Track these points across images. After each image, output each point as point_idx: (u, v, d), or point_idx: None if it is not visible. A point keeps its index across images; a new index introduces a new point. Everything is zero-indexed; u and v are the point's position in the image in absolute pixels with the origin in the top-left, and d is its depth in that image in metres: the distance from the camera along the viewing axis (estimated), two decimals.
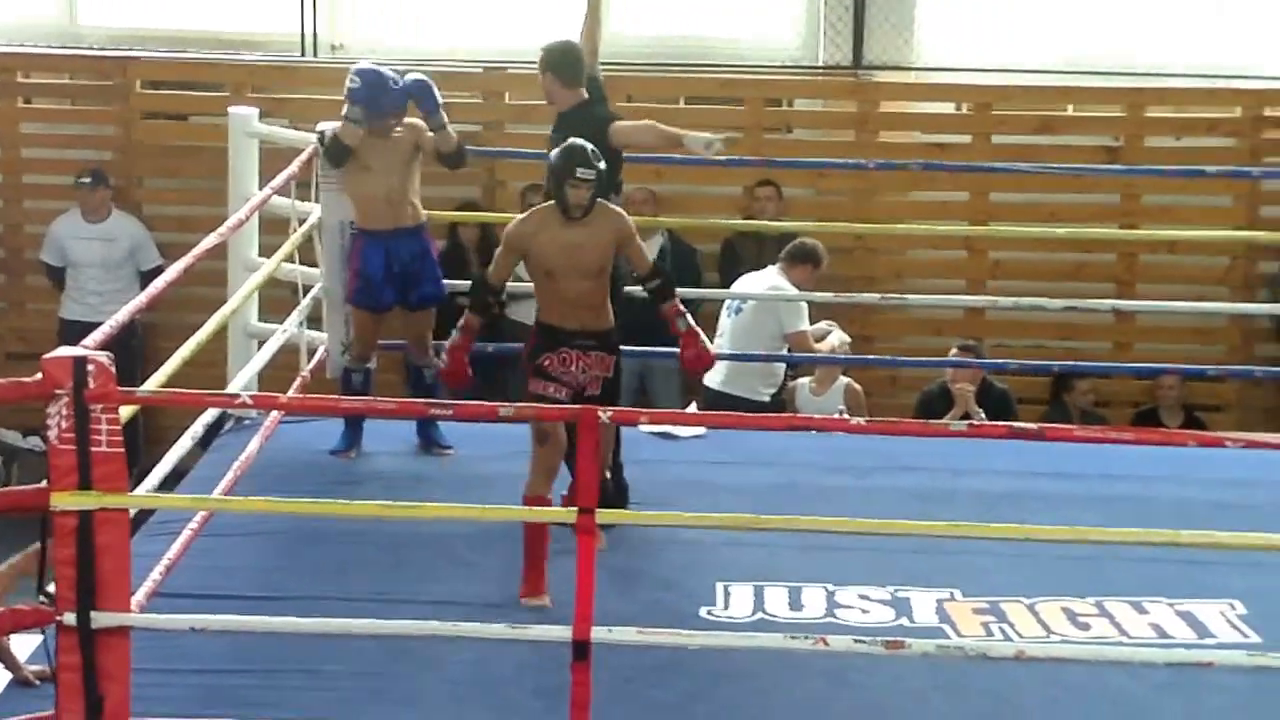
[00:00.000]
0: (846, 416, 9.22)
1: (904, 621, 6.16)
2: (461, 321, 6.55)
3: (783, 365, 9.43)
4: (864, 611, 6.25)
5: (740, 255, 10.45)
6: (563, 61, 7.10)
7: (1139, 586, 6.39)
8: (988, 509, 6.98)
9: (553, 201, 6.42)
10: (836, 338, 9.31)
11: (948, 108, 11.51)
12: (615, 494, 6.85)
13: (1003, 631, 6.10)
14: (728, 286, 9.69)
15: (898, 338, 11.15)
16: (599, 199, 6.40)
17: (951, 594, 6.40)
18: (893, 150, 11.02)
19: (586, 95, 7.12)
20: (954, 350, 9.76)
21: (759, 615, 6.19)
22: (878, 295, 10.00)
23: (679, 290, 9.66)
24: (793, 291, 9.21)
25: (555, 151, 6.40)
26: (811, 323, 9.36)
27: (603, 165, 6.39)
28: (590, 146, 6.39)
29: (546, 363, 6.40)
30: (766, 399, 9.27)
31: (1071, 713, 5.47)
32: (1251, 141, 11.01)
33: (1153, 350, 10.92)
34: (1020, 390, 10.22)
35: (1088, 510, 7.07)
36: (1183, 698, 5.50)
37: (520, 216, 6.60)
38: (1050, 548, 6.29)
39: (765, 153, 10.80)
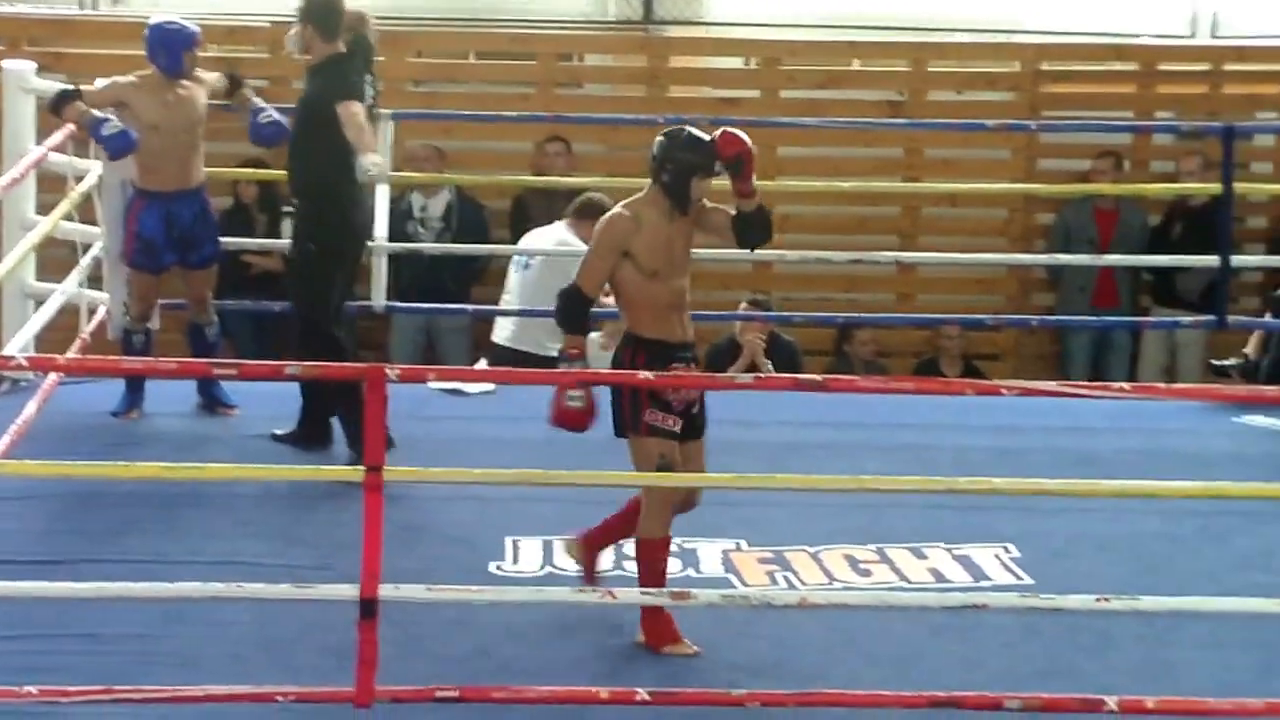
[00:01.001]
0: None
1: (690, 572, 6.24)
2: (563, 348, 5.84)
3: None
4: None
5: (530, 211, 10.46)
6: (325, 13, 7.11)
7: (918, 533, 6.53)
8: (773, 460, 7.08)
9: (646, 192, 5.87)
10: None
11: (736, 63, 11.59)
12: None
13: (787, 580, 6.20)
14: (518, 243, 9.71)
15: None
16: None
17: (737, 544, 6.49)
18: (683, 105, 11.06)
19: (343, 49, 7.15)
20: (744, 304, 9.85)
21: (548, 569, 6.24)
22: None
23: (465, 247, 9.73)
24: (580, 247, 9.23)
25: (683, 139, 5.89)
26: None
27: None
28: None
29: (666, 380, 5.65)
30: (555, 354, 9.29)
31: (853, 657, 5.58)
32: (1030, 95, 11.20)
33: (934, 301, 11.10)
34: (806, 342, 10.33)
35: (870, 459, 7.19)
36: (959, 639, 5.63)
37: (614, 212, 5.89)
38: (834, 497, 6.41)
39: (556, 108, 10.82)
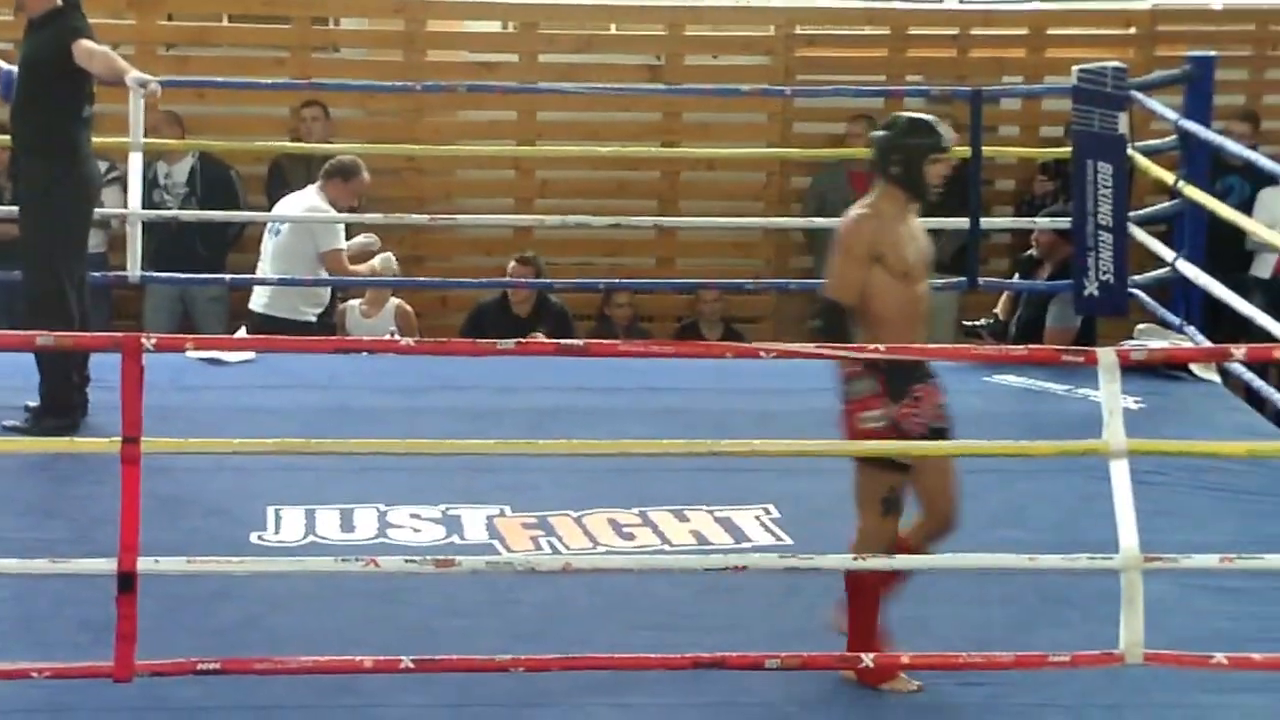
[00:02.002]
0: (397, 338, 9.24)
1: (455, 539, 6.24)
2: (846, 371, 5.36)
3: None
4: (416, 531, 6.32)
5: (289, 177, 10.36)
6: None
7: (681, 495, 6.59)
8: (537, 426, 7.10)
9: (875, 192, 5.49)
10: (379, 260, 9.30)
11: (495, 27, 11.57)
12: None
13: (551, 545, 6.22)
14: (274, 208, 9.60)
15: (448, 258, 11.19)
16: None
17: (502, 510, 6.50)
18: (441, 70, 11.03)
19: (61, 4, 7.03)
20: (513, 264, 9.85)
21: (310, 539, 6.20)
22: (427, 216, 10.05)
23: (214, 214, 9.59)
24: (329, 210, 9.16)
25: (902, 125, 5.53)
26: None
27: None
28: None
29: (906, 412, 5.30)
30: (312, 319, 9.21)
31: (616, 621, 5.62)
32: (784, 60, 11.32)
33: (694, 265, 11.19)
34: (571, 307, 10.37)
35: (633, 423, 7.23)
36: (720, 601, 5.70)
37: (855, 213, 5.50)
38: (597, 461, 6.43)
39: (312, 73, 10.71)
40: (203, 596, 5.52)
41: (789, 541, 6.25)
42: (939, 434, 5.30)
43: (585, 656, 4.96)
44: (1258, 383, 7.94)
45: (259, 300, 9.14)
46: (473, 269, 10.80)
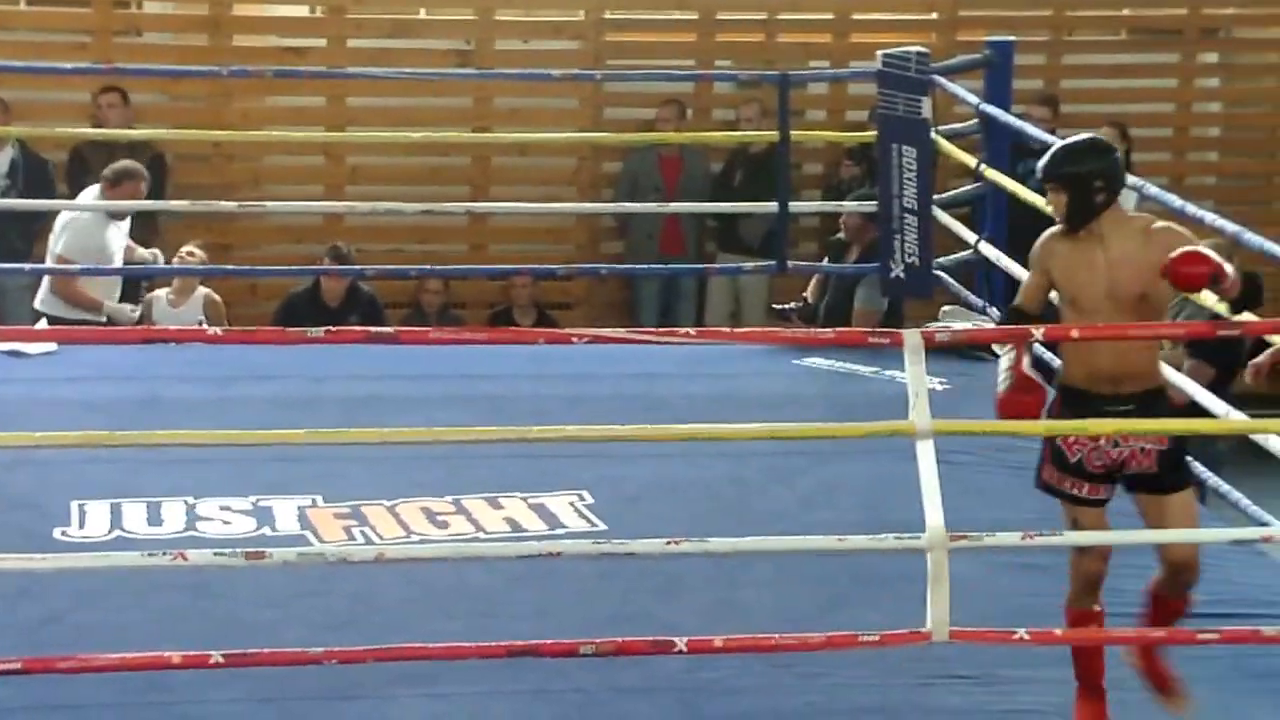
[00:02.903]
0: (206, 327, 9.14)
1: (266, 531, 6.20)
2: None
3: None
4: (225, 523, 6.26)
5: (90, 164, 10.20)
6: None
7: (495, 483, 6.58)
8: (349, 414, 7.06)
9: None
10: (150, 251, 9.19)
11: (302, 11, 11.47)
12: None
13: (364, 535, 6.20)
14: (76, 196, 9.46)
15: (257, 245, 11.10)
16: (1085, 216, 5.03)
17: (314, 500, 6.46)
18: (247, 55, 10.92)
19: None
20: (326, 258, 9.79)
21: (116, 533, 6.13)
22: (235, 203, 9.95)
23: (32, 201, 9.40)
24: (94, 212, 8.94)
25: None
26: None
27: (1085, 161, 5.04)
28: (1079, 140, 5.14)
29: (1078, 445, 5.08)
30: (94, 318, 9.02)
31: (431, 610, 5.61)
32: (594, 44, 11.33)
33: (506, 251, 11.19)
34: (383, 295, 10.32)
35: (446, 410, 7.20)
36: (534, 588, 5.70)
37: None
38: (410, 449, 6.41)
39: (114, 57, 10.57)
40: (4, 594, 5.44)
41: (603, 527, 6.26)
42: (1124, 480, 5.10)
43: (398, 647, 4.94)
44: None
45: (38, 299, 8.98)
46: (282, 256, 10.72)
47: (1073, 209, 5.00)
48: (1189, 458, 6.14)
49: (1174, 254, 4.83)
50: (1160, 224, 5.07)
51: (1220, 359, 7.49)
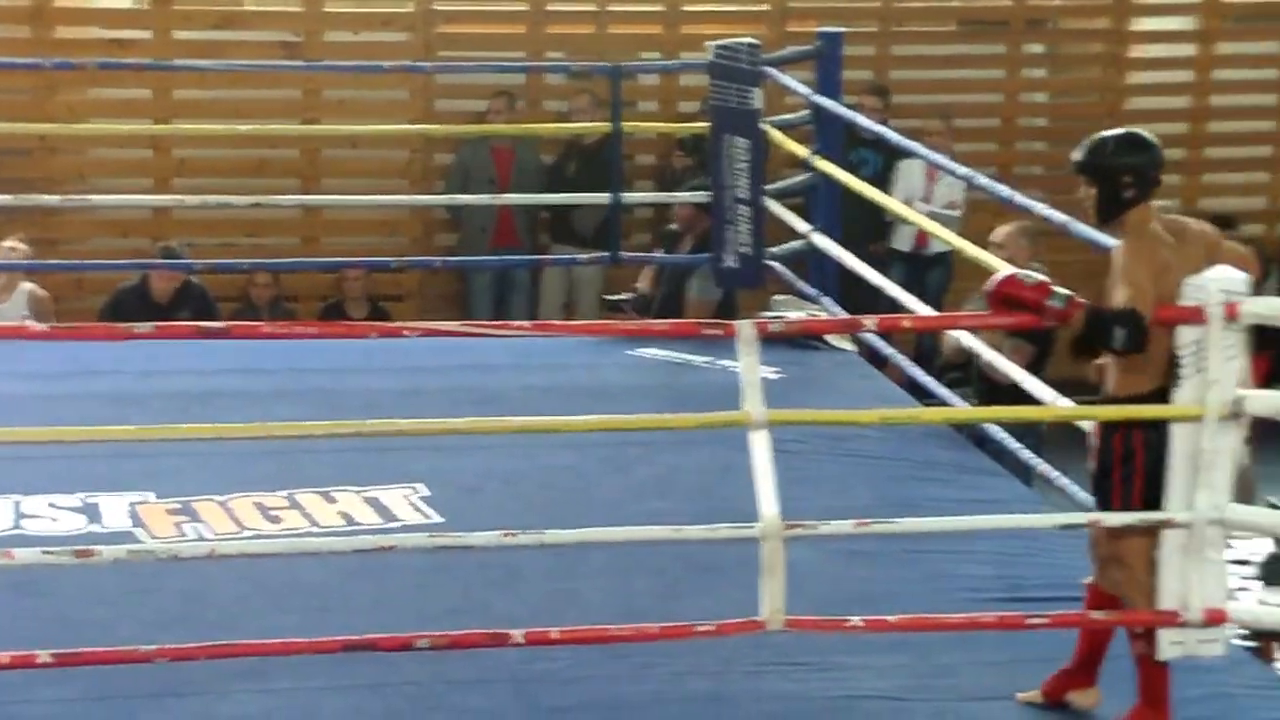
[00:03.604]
0: (30, 323, 9.01)
1: (95, 528, 6.11)
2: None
3: None
4: (53, 520, 6.17)
5: None
6: None
7: (329, 477, 6.53)
8: (181, 410, 6.98)
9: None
10: None
11: (126, 2, 11.34)
12: None
13: (196, 531, 6.13)
14: None
15: (83, 240, 10.95)
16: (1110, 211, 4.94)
17: (144, 497, 6.38)
18: (71, 47, 10.77)
19: None
20: (158, 255, 9.70)
21: None
22: (59, 197, 9.81)
23: None
24: None
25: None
26: None
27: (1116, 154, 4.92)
28: (1115, 134, 5.01)
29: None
30: None
31: (264, 606, 5.55)
32: (424, 36, 11.30)
33: (338, 244, 11.12)
34: (214, 289, 10.22)
35: (279, 405, 7.14)
36: (370, 582, 5.67)
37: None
38: (243, 444, 6.33)
39: None
40: None
41: (439, 520, 6.24)
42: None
43: (231, 643, 4.89)
44: (888, 350, 8.16)
45: None
46: (109, 250, 10.59)
47: (1101, 202, 4.91)
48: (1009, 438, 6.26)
49: (999, 277, 4.85)
50: (1226, 242, 5.03)
51: (1039, 337, 7.60)
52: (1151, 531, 4.90)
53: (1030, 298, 4.79)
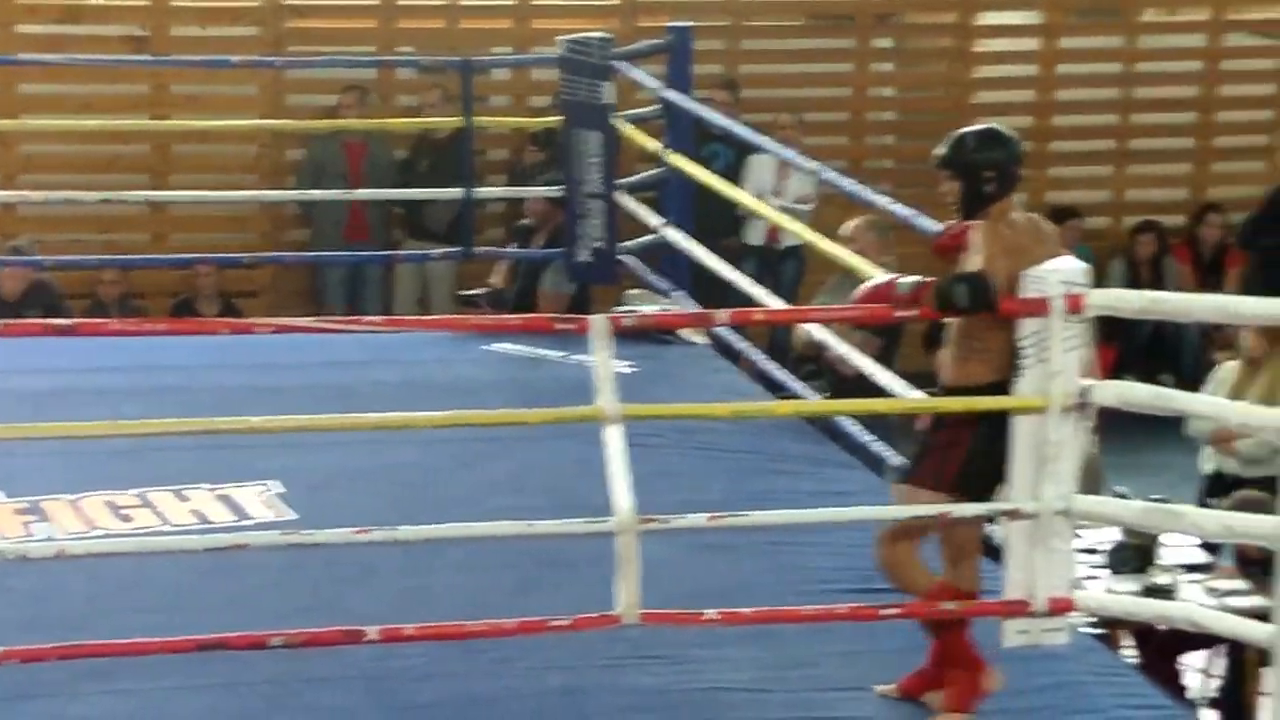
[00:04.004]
0: None
1: None
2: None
3: None
4: None
5: None
6: None
7: (181, 475, 6.48)
8: (30, 408, 6.89)
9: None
10: None
11: None
12: None
13: (45, 531, 6.06)
14: None
15: None
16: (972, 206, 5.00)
17: None
18: None
19: None
20: (9, 252, 9.57)
21: None
22: None
23: None
24: None
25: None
26: None
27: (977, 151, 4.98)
28: (976, 129, 5.06)
29: None
30: None
31: (116, 606, 5.51)
32: (274, 30, 11.22)
33: (188, 240, 11.03)
34: (62, 285, 10.11)
35: (130, 403, 7.04)
36: (224, 580, 5.64)
37: None
38: (93, 443, 6.27)
39: None
40: None
41: (292, 517, 6.21)
42: None
43: (81, 644, 4.85)
44: (741, 344, 8.21)
45: None
46: None
47: (963, 197, 4.97)
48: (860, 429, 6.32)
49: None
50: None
51: (886, 330, 7.68)
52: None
53: (885, 297, 4.91)
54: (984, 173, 4.95)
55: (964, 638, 5.07)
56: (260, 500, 6.38)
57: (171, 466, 6.50)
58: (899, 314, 4.95)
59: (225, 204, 10.93)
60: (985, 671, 5.07)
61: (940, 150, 5.03)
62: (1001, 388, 4.89)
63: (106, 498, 6.33)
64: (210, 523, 6.17)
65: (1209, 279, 12.26)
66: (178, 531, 6.07)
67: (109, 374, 7.53)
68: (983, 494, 4.96)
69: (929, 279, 4.95)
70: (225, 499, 6.38)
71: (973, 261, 4.89)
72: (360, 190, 10.61)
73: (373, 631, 4.85)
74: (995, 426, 4.89)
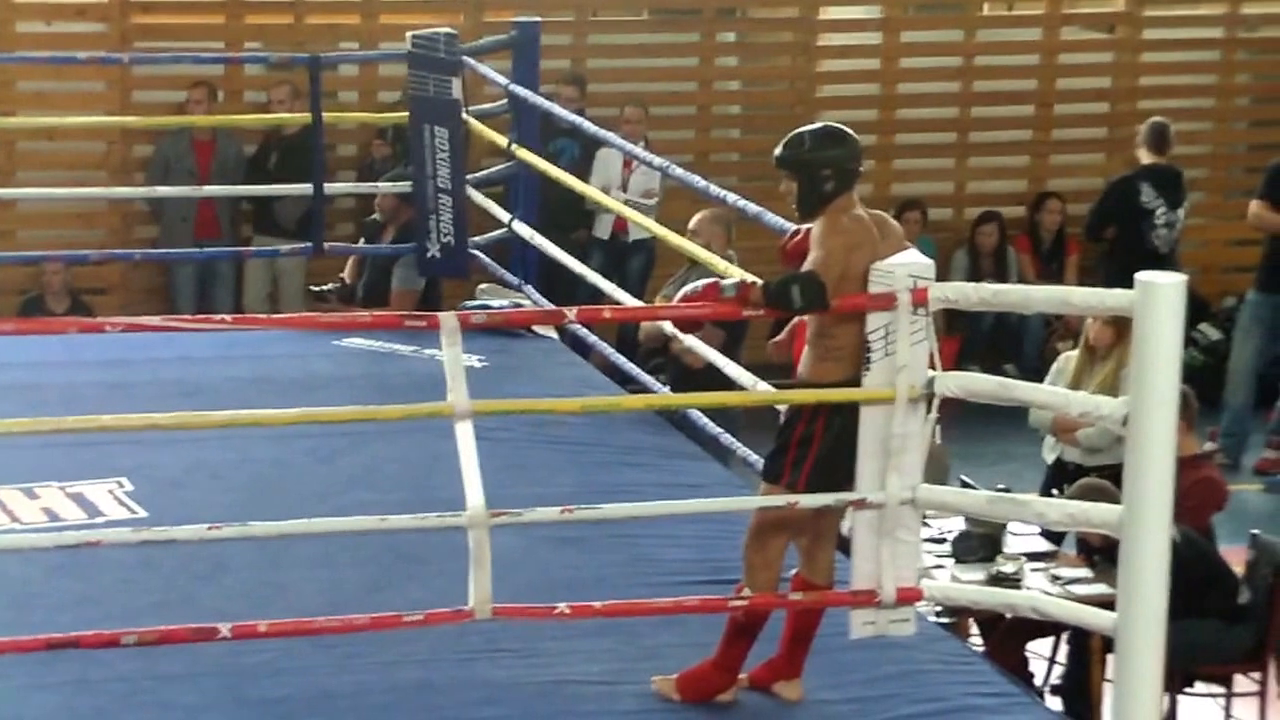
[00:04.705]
0: None
1: None
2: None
3: None
4: None
5: None
6: None
7: (30, 473, 6.44)
8: None
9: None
10: None
11: None
12: None
13: None
14: None
15: None
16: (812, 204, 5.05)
17: None
18: None
19: None
20: None
21: None
22: None
23: None
24: None
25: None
26: None
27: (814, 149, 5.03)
28: (812, 129, 5.12)
29: None
30: None
31: None
32: (120, 26, 11.15)
33: (35, 237, 10.93)
34: None
35: None
36: (75, 578, 5.62)
37: None
38: None
39: None
40: None
41: (144, 514, 6.20)
42: None
43: None
44: (592, 338, 8.28)
45: None
46: None
47: (802, 196, 5.00)
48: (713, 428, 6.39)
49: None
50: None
51: (729, 324, 7.75)
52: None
53: (710, 299, 4.94)
54: (822, 171, 5.00)
55: (743, 648, 5.15)
56: (111, 497, 6.36)
57: (21, 464, 6.46)
58: (747, 313, 5.02)
59: (73, 201, 10.85)
60: (732, 682, 5.17)
61: (777, 150, 5.09)
62: (855, 384, 4.96)
63: None
64: (61, 520, 6.15)
65: (1049, 267, 12.48)
66: (28, 529, 6.05)
67: None
68: (838, 487, 5.05)
69: (752, 280, 5.00)
70: (76, 497, 6.36)
71: (812, 258, 4.96)
72: (209, 187, 10.57)
73: (225, 629, 4.85)
74: (848, 422, 4.96)
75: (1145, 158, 11.41)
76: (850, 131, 5.13)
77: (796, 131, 5.12)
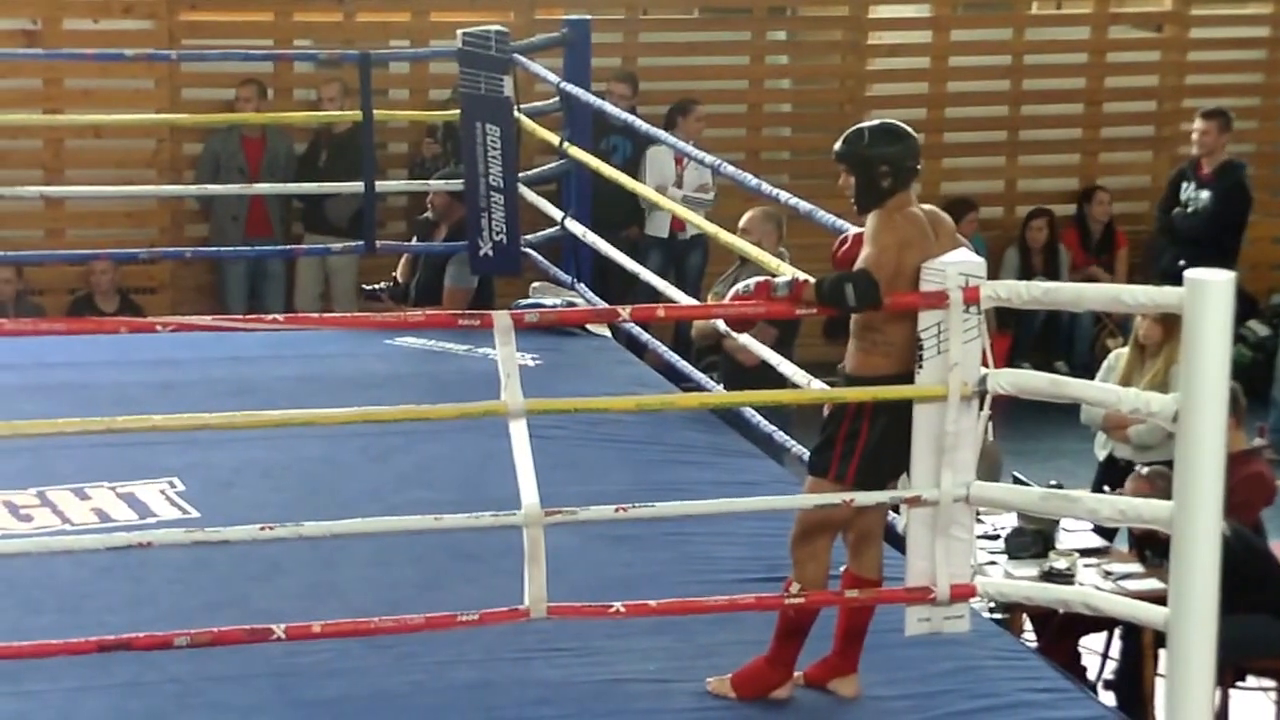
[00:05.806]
0: None
1: None
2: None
3: None
4: None
5: None
6: None
7: (81, 473, 6.44)
8: None
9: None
10: None
11: None
12: None
13: None
14: None
15: None
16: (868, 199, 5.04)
17: None
18: None
19: None
20: None
21: None
22: None
23: None
24: None
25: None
26: None
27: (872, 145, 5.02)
28: (872, 125, 5.10)
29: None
30: None
31: (16, 606, 5.47)
32: (168, 24, 11.15)
33: (84, 236, 10.95)
34: None
35: (28, 401, 7.02)
36: (126, 579, 5.61)
37: None
38: None
39: None
40: None
41: (195, 515, 6.18)
42: None
43: None
44: (645, 336, 8.25)
45: None
46: None
47: (859, 191, 5.01)
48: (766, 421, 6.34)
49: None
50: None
51: (782, 322, 7.72)
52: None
53: (763, 297, 4.90)
54: (879, 167, 5.00)
55: (795, 645, 5.13)
56: (163, 498, 6.35)
57: (71, 465, 6.46)
58: (800, 312, 4.99)
59: (122, 199, 10.85)
60: (787, 678, 5.15)
61: (837, 145, 5.08)
62: (902, 379, 4.94)
63: (5, 497, 6.28)
64: (112, 521, 6.14)
65: (1099, 259, 12.43)
66: (79, 531, 6.03)
67: (5, 372, 7.47)
68: (885, 483, 5.02)
69: (805, 278, 4.99)
70: (127, 497, 6.34)
71: (864, 255, 4.93)
72: (260, 184, 10.56)
73: (279, 630, 4.83)
74: (895, 417, 4.94)
75: None
76: (909, 130, 5.11)
77: (856, 127, 5.11)
